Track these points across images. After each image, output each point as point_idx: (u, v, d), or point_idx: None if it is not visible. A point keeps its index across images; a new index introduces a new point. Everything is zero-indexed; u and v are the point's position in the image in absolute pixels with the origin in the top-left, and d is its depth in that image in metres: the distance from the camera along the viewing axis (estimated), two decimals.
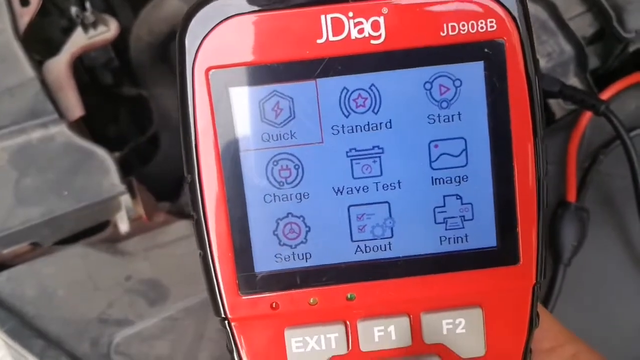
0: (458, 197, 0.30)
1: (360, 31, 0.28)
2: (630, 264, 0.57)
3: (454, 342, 0.31)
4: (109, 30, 0.73)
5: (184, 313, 0.63)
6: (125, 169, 0.68)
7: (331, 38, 0.28)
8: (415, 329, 0.31)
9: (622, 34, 0.58)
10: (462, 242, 0.30)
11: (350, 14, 0.28)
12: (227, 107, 0.29)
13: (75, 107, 0.68)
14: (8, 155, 0.63)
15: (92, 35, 0.72)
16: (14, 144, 0.64)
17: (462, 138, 0.30)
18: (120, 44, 0.77)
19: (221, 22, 0.28)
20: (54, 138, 0.64)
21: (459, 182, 0.30)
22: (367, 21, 0.28)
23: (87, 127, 0.74)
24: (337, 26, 0.28)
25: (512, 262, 0.30)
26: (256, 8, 0.28)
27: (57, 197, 0.63)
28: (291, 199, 0.30)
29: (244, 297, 0.30)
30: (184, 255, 0.66)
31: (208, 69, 0.29)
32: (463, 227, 0.30)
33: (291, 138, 0.29)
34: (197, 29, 0.28)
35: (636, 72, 0.59)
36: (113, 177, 0.64)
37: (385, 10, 0.28)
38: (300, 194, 0.30)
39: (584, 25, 0.61)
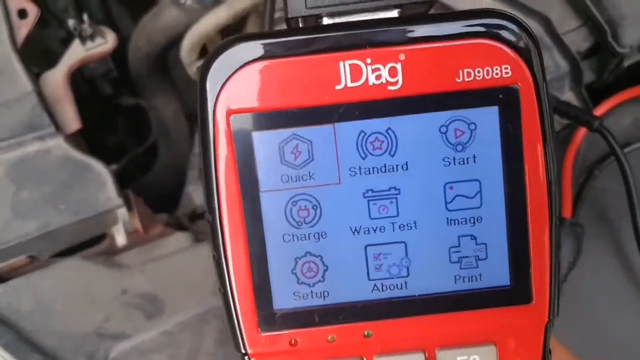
0: (472, 237, 0.31)
1: (378, 77, 0.29)
2: (625, 278, 0.57)
3: None
4: (106, 42, 0.73)
5: (180, 327, 0.63)
6: (124, 180, 0.68)
7: (349, 84, 0.29)
8: None
9: (616, 49, 0.58)
10: (476, 280, 0.31)
11: (368, 60, 0.29)
12: (248, 150, 0.30)
13: (72, 120, 0.68)
14: (5, 169, 0.63)
15: (90, 47, 0.72)
16: (10, 157, 0.64)
17: (477, 180, 0.30)
18: (118, 54, 0.77)
19: (242, 67, 0.29)
20: (50, 151, 0.65)
21: (474, 222, 0.30)
22: (384, 67, 0.29)
23: (86, 137, 0.74)
24: (355, 72, 0.29)
25: (525, 301, 0.31)
26: (277, 54, 0.29)
27: (54, 210, 0.63)
28: (309, 239, 0.30)
29: (263, 334, 0.31)
30: (181, 269, 0.66)
31: (229, 113, 0.29)
32: (477, 267, 0.31)
33: (310, 179, 0.30)
34: (218, 73, 0.29)
35: (631, 87, 0.59)
36: (109, 191, 0.64)
37: (402, 56, 0.29)
38: (318, 233, 0.30)
39: (578, 40, 0.61)
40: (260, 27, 0.81)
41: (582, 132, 0.57)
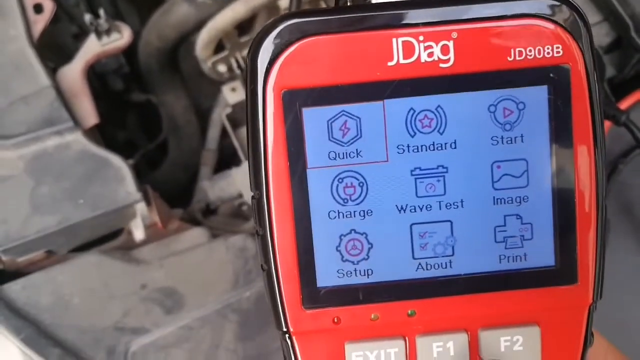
0: (518, 217, 0.30)
1: (430, 55, 0.29)
2: None
3: (511, 359, 0.31)
4: (122, 37, 0.73)
5: (200, 322, 0.63)
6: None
7: (402, 61, 0.29)
8: (473, 346, 0.31)
9: (639, 43, 0.58)
10: (521, 260, 0.31)
11: (421, 38, 0.29)
12: (297, 126, 0.29)
13: (90, 115, 0.68)
14: (24, 164, 0.63)
15: (106, 42, 0.72)
16: (29, 152, 0.64)
17: (524, 159, 0.30)
18: (129, 49, 0.77)
19: (293, 43, 0.29)
20: (69, 146, 0.64)
21: (520, 202, 0.30)
22: (437, 45, 0.29)
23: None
24: (408, 49, 0.29)
25: (570, 282, 0.31)
26: (330, 30, 0.29)
27: (73, 205, 0.63)
28: (355, 216, 0.30)
29: (306, 311, 0.31)
30: (199, 264, 0.66)
31: (281, 89, 0.29)
32: (522, 247, 0.30)
33: (357, 156, 0.30)
34: (269, 49, 0.29)
35: None
36: (129, 185, 0.64)
37: (455, 35, 0.29)
38: (363, 211, 0.30)
39: (601, 35, 0.62)
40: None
41: (606, 125, 0.57)
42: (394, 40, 0.29)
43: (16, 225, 0.62)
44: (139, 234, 0.67)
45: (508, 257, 0.31)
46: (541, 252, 0.30)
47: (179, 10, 0.84)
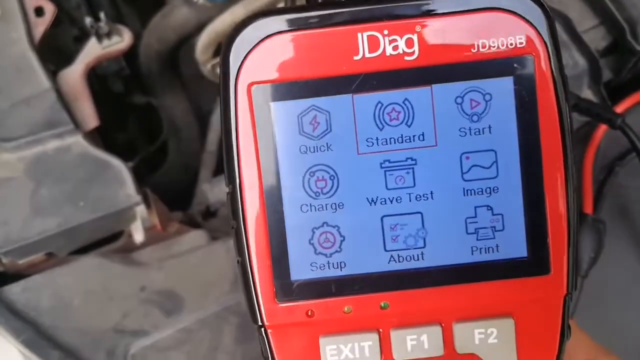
0: (489, 208, 0.31)
1: (395, 48, 0.30)
2: None
3: (486, 352, 0.31)
4: (122, 40, 0.73)
5: (199, 324, 0.63)
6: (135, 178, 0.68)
7: (367, 55, 0.30)
8: (448, 339, 0.31)
9: (635, 47, 0.59)
10: (493, 252, 0.31)
11: (386, 32, 0.30)
12: (267, 121, 0.30)
13: (90, 118, 0.68)
14: (24, 166, 0.63)
15: (106, 45, 0.72)
16: (30, 155, 0.64)
17: (493, 150, 0.30)
18: (129, 52, 0.78)
19: (263, 40, 0.30)
20: (69, 148, 0.65)
21: (490, 193, 0.31)
22: (401, 38, 0.30)
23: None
24: (373, 43, 0.30)
25: (543, 272, 0.31)
26: (297, 27, 0.30)
27: (73, 207, 0.63)
28: (326, 209, 0.31)
29: (280, 305, 0.31)
30: (198, 266, 0.66)
31: (250, 84, 0.30)
32: (494, 238, 0.31)
33: (327, 150, 0.31)
34: (240, 46, 0.30)
35: None
36: (129, 188, 0.65)
37: (418, 28, 0.30)
38: (335, 204, 0.31)
39: (597, 38, 0.62)
40: None
41: (602, 129, 0.58)
42: (359, 34, 0.30)
43: (17, 228, 0.62)
44: (138, 236, 0.67)
45: (480, 248, 0.31)
46: (513, 243, 0.31)
47: (179, 14, 0.84)
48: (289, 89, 0.30)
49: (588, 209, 0.57)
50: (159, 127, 0.93)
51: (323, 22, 0.30)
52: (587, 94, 0.61)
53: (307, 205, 0.31)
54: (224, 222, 0.83)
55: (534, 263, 0.31)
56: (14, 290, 0.62)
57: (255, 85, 0.30)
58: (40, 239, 0.62)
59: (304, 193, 0.31)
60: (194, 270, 0.66)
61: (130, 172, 0.65)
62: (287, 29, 0.30)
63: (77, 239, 0.65)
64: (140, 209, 0.65)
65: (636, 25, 0.59)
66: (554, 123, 0.30)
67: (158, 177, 0.92)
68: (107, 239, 0.69)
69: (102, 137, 0.76)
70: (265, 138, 0.30)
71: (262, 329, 0.31)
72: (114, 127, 0.95)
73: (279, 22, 0.30)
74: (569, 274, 0.31)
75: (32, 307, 0.62)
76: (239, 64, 0.30)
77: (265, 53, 0.30)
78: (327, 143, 0.30)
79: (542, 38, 0.30)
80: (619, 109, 0.58)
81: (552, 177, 0.30)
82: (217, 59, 0.84)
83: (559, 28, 0.61)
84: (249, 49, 0.30)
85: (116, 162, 0.65)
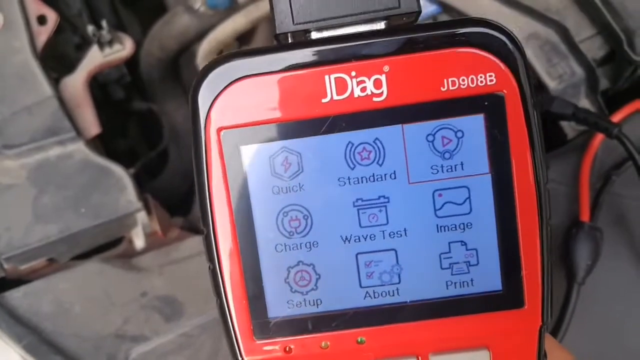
0: (463, 243, 0.31)
1: (363, 89, 0.30)
2: None
3: None
4: (124, 48, 0.74)
5: (199, 330, 0.63)
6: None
7: (335, 97, 0.30)
8: None
9: (632, 57, 0.59)
10: (468, 286, 0.31)
11: (353, 73, 0.29)
12: (238, 164, 0.30)
13: (92, 125, 0.69)
14: (27, 173, 0.64)
15: (108, 53, 0.73)
16: (32, 162, 0.64)
17: (466, 187, 0.30)
18: (130, 59, 0.78)
19: (231, 83, 0.30)
20: (71, 155, 0.65)
21: (464, 229, 0.31)
22: (369, 79, 0.29)
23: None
24: (341, 86, 0.30)
25: (518, 306, 0.31)
26: (264, 70, 0.30)
27: (75, 214, 0.64)
28: (301, 248, 0.31)
29: (258, 342, 0.31)
30: (199, 272, 0.67)
31: (220, 129, 0.30)
32: (468, 272, 0.31)
33: (300, 190, 0.31)
34: (208, 90, 0.30)
35: None
36: (130, 194, 0.65)
37: (386, 68, 0.29)
38: (309, 242, 0.31)
39: (594, 48, 0.63)
40: (270, 33, 0.82)
41: (599, 138, 0.58)
42: (326, 77, 0.30)
43: (19, 233, 0.63)
44: (139, 242, 0.67)
45: (455, 282, 0.31)
46: (487, 277, 0.31)
47: (180, 21, 0.85)
48: (258, 132, 0.30)
49: (585, 217, 0.57)
50: (159, 133, 0.94)
51: (290, 65, 0.30)
52: (585, 103, 0.61)
53: (281, 244, 0.31)
54: None
55: (509, 296, 0.31)
56: (16, 296, 0.62)
57: (224, 130, 0.30)
58: (42, 245, 0.63)
59: (278, 233, 0.31)
60: (194, 276, 0.66)
61: (131, 179, 0.66)
62: (254, 72, 0.30)
63: (78, 245, 0.66)
64: (141, 215, 0.66)
65: (633, 36, 0.59)
66: (526, 158, 0.30)
67: (159, 183, 0.92)
68: (108, 245, 0.70)
69: (103, 143, 0.77)
70: (237, 181, 0.30)
71: None
72: (115, 134, 0.96)
73: (244, 65, 0.30)
74: (543, 306, 0.31)
75: (34, 313, 0.62)
76: (208, 107, 0.30)
77: (233, 97, 0.30)
78: (299, 183, 0.30)
79: (514, 74, 0.29)
80: (616, 118, 0.58)
81: (525, 211, 0.30)
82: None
83: (556, 38, 0.62)
84: (217, 93, 0.30)
85: (117, 169, 0.65)
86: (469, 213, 0.31)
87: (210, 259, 0.31)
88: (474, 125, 0.30)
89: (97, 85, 0.90)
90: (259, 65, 0.30)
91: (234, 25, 0.78)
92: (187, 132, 0.94)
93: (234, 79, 0.30)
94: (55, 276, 0.64)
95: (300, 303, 0.31)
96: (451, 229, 0.31)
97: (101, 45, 0.72)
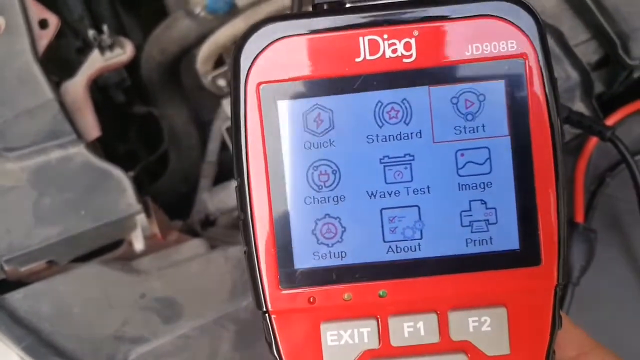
0: (483, 202, 0.32)
1: (394, 51, 0.31)
2: (636, 283, 0.58)
3: (479, 340, 0.32)
4: (124, 52, 0.74)
5: (198, 331, 0.64)
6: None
7: (368, 57, 0.32)
8: (443, 326, 0.33)
9: (627, 61, 0.60)
10: (486, 244, 0.32)
11: (385, 36, 0.32)
12: (274, 118, 0.32)
13: (92, 128, 0.69)
14: (27, 175, 0.65)
15: (109, 57, 0.73)
16: (33, 164, 0.65)
17: (486, 147, 0.32)
18: (131, 63, 0.79)
19: (271, 43, 0.32)
20: (72, 158, 0.66)
21: (484, 188, 0.32)
22: (399, 42, 0.32)
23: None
24: (374, 47, 0.32)
25: (534, 264, 0.32)
26: (304, 31, 0.32)
27: (75, 216, 0.64)
28: (329, 202, 0.32)
29: (284, 292, 0.32)
30: (197, 274, 0.67)
31: (259, 84, 0.32)
32: (487, 230, 0.32)
33: (330, 146, 0.32)
34: (250, 49, 0.32)
35: None
36: (129, 197, 0.66)
37: (416, 32, 0.31)
38: (337, 197, 0.32)
39: (589, 52, 0.63)
40: None
41: (593, 141, 0.59)
42: (361, 38, 0.32)
43: (19, 236, 0.63)
44: (138, 244, 0.68)
45: (474, 240, 0.32)
46: (505, 236, 0.32)
47: (180, 26, 0.86)
48: (294, 88, 0.32)
49: (579, 218, 0.58)
50: (159, 137, 0.95)
51: (328, 27, 0.32)
52: (579, 106, 0.62)
53: (310, 197, 0.32)
54: (223, 231, 0.84)
55: (526, 255, 0.32)
56: (16, 298, 0.63)
57: (263, 85, 0.32)
58: (42, 247, 0.63)
59: (308, 186, 0.32)
60: (193, 278, 0.67)
61: (131, 182, 0.66)
62: (294, 33, 0.32)
63: (78, 247, 0.66)
64: (141, 218, 0.66)
65: (627, 40, 0.60)
66: (544, 121, 0.32)
67: (158, 187, 0.93)
68: (107, 247, 0.70)
69: (103, 146, 0.77)
70: (271, 134, 0.32)
71: (266, 315, 0.33)
72: (115, 137, 0.96)
73: (286, 27, 0.32)
74: (559, 265, 0.32)
75: (33, 315, 0.63)
76: (249, 65, 0.32)
77: (274, 55, 0.32)
78: (329, 139, 0.32)
79: (532, 43, 0.31)
80: (610, 121, 0.59)
81: (542, 171, 0.32)
82: (218, 71, 0.85)
83: (551, 41, 0.62)
84: (258, 51, 0.32)
85: (117, 172, 0.66)
86: (489, 173, 0.32)
87: (243, 209, 0.32)
88: (495, 89, 0.32)
89: (98, 88, 0.90)
90: (299, 27, 0.32)
91: (234, 29, 0.78)
92: (187, 136, 0.95)
93: (275, 38, 0.32)
94: (55, 278, 0.64)
95: (326, 255, 0.32)
96: (472, 187, 0.32)
97: (102, 49, 0.73)
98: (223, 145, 0.90)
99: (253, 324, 0.64)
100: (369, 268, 0.32)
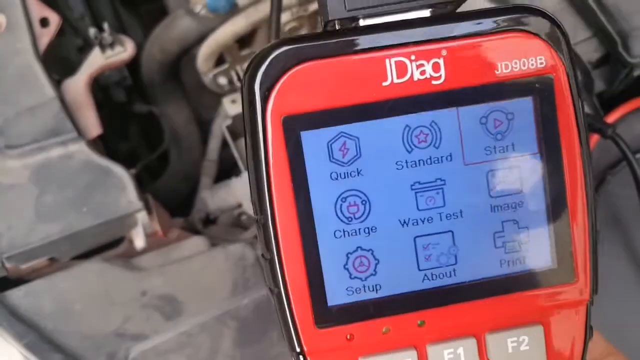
0: (515, 222, 0.31)
1: (422, 73, 0.30)
2: (637, 280, 0.58)
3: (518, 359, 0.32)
4: (125, 50, 0.74)
5: (199, 328, 0.64)
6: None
7: (395, 80, 0.30)
8: (482, 349, 0.32)
9: (627, 59, 0.60)
10: (521, 263, 0.32)
11: (413, 57, 0.30)
12: (297, 150, 0.30)
13: (93, 126, 0.69)
14: (29, 173, 0.65)
15: (110, 55, 0.74)
16: (34, 162, 0.65)
17: (517, 166, 0.31)
18: (131, 62, 0.79)
19: (290, 68, 0.30)
20: (73, 156, 0.66)
21: (516, 208, 0.31)
22: (428, 63, 0.30)
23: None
24: (401, 69, 0.30)
25: (569, 280, 0.32)
26: (325, 54, 0.30)
27: (77, 213, 0.64)
28: (360, 234, 0.31)
29: (320, 330, 0.31)
30: (198, 272, 0.67)
31: (281, 115, 0.30)
32: (521, 250, 0.32)
33: (358, 175, 0.31)
34: (267, 75, 0.30)
35: None
36: (130, 194, 0.66)
37: (444, 52, 0.30)
38: (368, 228, 0.31)
39: (590, 50, 0.63)
40: (267, 36, 0.82)
41: (594, 138, 0.59)
42: (387, 60, 0.30)
43: (21, 233, 0.63)
44: (139, 242, 0.68)
45: (508, 261, 0.32)
46: (539, 254, 0.32)
47: (181, 24, 0.86)
48: (320, 118, 0.30)
49: None
50: (160, 135, 0.95)
51: (351, 48, 0.30)
52: None
53: (340, 231, 0.31)
54: (224, 229, 0.84)
55: (560, 272, 0.32)
56: (17, 295, 0.63)
57: (286, 117, 0.30)
58: (44, 244, 0.63)
59: (337, 219, 0.31)
60: (194, 276, 0.67)
61: (132, 179, 0.66)
62: (315, 56, 0.30)
63: (79, 244, 0.66)
64: (142, 215, 0.66)
65: (628, 38, 0.60)
66: (573, 137, 0.31)
67: (160, 185, 0.93)
68: (108, 245, 0.70)
69: (104, 145, 0.77)
70: (297, 168, 0.30)
71: (301, 356, 0.32)
72: (116, 136, 0.97)
73: (306, 49, 0.30)
74: (591, 280, 0.32)
75: (35, 312, 0.63)
76: (267, 94, 0.29)
77: (294, 82, 0.30)
78: (357, 168, 0.31)
79: (561, 57, 0.30)
80: (610, 119, 0.59)
81: (573, 188, 0.31)
82: (218, 69, 0.86)
83: None
84: (275, 79, 0.29)
85: (118, 169, 0.66)
86: (520, 192, 0.31)
87: (268, 248, 0.31)
88: (524, 106, 0.31)
89: (99, 87, 0.91)
90: (319, 50, 0.30)
91: (234, 28, 0.79)
92: (188, 135, 0.95)
93: (293, 63, 0.29)
94: (56, 275, 0.65)
95: (360, 289, 0.31)
96: (504, 208, 0.31)
97: (102, 48, 0.73)
98: (224, 143, 0.90)
99: (253, 321, 0.64)
100: (405, 299, 0.31)
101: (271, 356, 0.64)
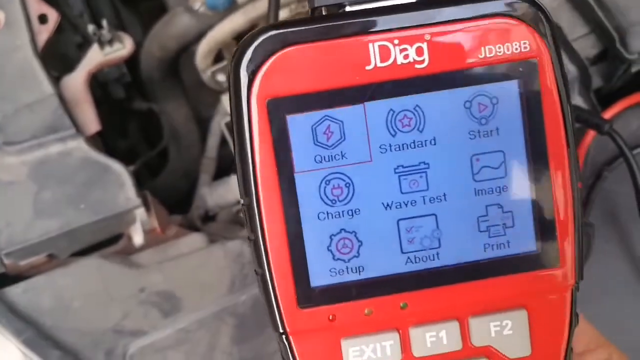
0: (499, 206, 0.32)
1: (406, 57, 0.30)
2: (634, 277, 0.58)
3: (501, 344, 0.32)
4: (124, 47, 0.74)
5: (197, 325, 0.64)
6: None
7: (379, 64, 0.30)
8: (465, 333, 0.32)
9: (625, 55, 0.60)
10: (504, 248, 0.32)
11: (396, 42, 0.30)
12: (282, 133, 0.30)
13: (91, 123, 0.69)
14: (28, 169, 0.65)
15: (108, 52, 0.74)
16: (33, 158, 0.65)
17: (501, 151, 0.31)
18: (130, 59, 0.79)
19: (275, 53, 0.30)
20: (71, 153, 0.66)
21: (500, 192, 0.32)
22: (411, 47, 0.30)
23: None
24: (385, 53, 0.30)
25: (552, 265, 0.32)
26: (308, 39, 0.30)
27: (75, 210, 0.64)
28: (343, 216, 0.31)
29: (301, 311, 0.32)
30: (197, 268, 0.67)
31: (265, 98, 0.30)
32: (505, 234, 0.32)
33: (342, 158, 0.31)
34: (252, 60, 0.30)
35: (638, 92, 0.61)
36: (128, 191, 0.66)
37: (427, 36, 0.30)
38: (351, 210, 0.31)
39: (587, 47, 0.63)
40: None
41: (591, 135, 0.59)
42: (371, 45, 0.30)
43: (19, 229, 0.63)
44: (138, 239, 0.68)
45: (492, 245, 0.32)
46: (523, 239, 0.32)
47: (180, 22, 0.86)
48: (304, 101, 0.30)
49: None
50: (159, 132, 0.95)
51: (335, 33, 0.30)
52: (578, 100, 0.62)
53: (324, 213, 0.31)
54: (222, 225, 0.84)
55: (544, 257, 0.32)
56: (15, 291, 0.63)
57: (270, 99, 0.30)
58: (42, 240, 0.63)
59: (321, 201, 0.31)
60: (192, 272, 0.67)
61: (131, 176, 0.66)
62: (299, 41, 0.30)
63: (78, 241, 0.66)
64: (140, 212, 0.66)
65: (625, 34, 0.60)
66: (558, 122, 0.31)
67: (158, 182, 0.93)
68: (107, 242, 0.70)
69: (103, 142, 0.78)
70: (281, 150, 0.30)
71: (284, 336, 0.32)
72: (115, 133, 0.97)
73: (290, 34, 0.30)
74: (576, 265, 0.32)
75: (33, 308, 0.63)
76: (252, 77, 0.30)
77: (278, 66, 0.30)
78: (341, 151, 0.31)
79: (545, 42, 0.31)
80: (607, 115, 0.59)
81: (557, 173, 0.31)
82: (217, 66, 0.86)
83: None
84: (260, 63, 0.30)
85: (117, 166, 0.66)
86: (504, 176, 0.32)
87: (253, 230, 0.31)
88: (509, 90, 0.31)
89: (98, 84, 0.91)
90: (304, 34, 0.30)
91: (233, 25, 0.78)
92: (187, 132, 0.95)
93: (278, 47, 0.30)
94: (54, 272, 0.65)
95: (343, 270, 0.32)
96: (488, 192, 0.31)
97: (101, 44, 0.73)
98: (223, 140, 0.90)
99: (251, 317, 0.65)
100: (388, 281, 0.32)
101: (269, 352, 0.64)
